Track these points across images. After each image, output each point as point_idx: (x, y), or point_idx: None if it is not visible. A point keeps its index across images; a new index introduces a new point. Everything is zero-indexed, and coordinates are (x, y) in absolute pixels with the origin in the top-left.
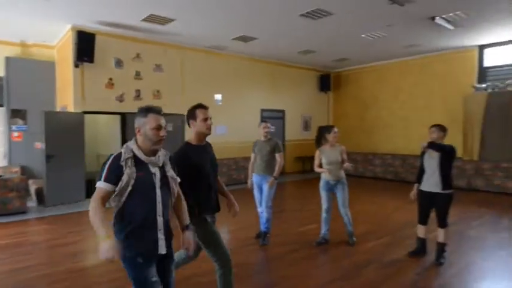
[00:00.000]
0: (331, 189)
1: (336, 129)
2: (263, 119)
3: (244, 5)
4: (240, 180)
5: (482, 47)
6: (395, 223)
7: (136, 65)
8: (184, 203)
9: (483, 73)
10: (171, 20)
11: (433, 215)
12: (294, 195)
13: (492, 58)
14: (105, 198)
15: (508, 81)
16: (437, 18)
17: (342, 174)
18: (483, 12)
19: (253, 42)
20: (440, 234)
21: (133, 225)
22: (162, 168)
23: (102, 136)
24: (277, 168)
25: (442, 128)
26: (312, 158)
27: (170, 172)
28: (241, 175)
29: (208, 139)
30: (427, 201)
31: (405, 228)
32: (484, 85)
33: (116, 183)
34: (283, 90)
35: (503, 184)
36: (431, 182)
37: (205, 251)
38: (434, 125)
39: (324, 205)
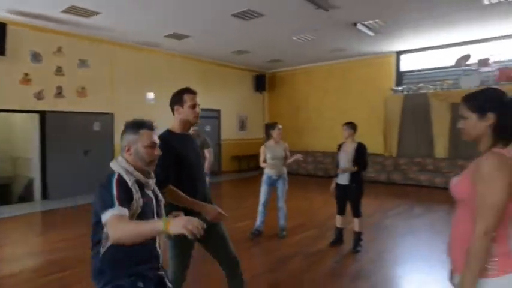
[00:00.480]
0: (272, 184)
1: (279, 126)
2: None
3: (175, 1)
4: None
5: (399, 53)
6: (323, 216)
7: (57, 59)
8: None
9: (400, 77)
10: (96, 13)
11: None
12: (230, 194)
13: (408, 63)
14: None
15: (420, 85)
16: (358, 24)
17: (284, 170)
18: (398, 21)
19: (186, 40)
20: (355, 224)
21: (133, 263)
22: (153, 191)
23: (18, 137)
24: (206, 164)
25: (352, 126)
26: (248, 157)
27: (160, 195)
28: None
29: None
30: (341, 193)
31: (331, 221)
32: (400, 88)
33: (129, 209)
34: (219, 89)
35: (416, 177)
36: (343, 176)
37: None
38: (345, 123)
39: (262, 199)
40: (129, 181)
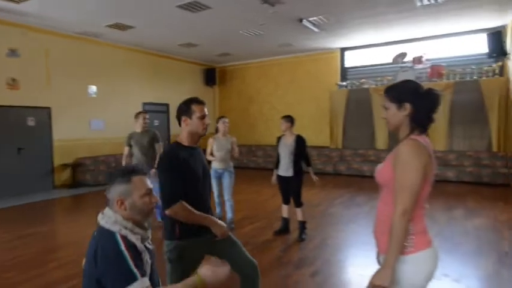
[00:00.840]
0: (219, 177)
1: (225, 119)
2: (141, 111)
3: None
4: None
5: (343, 50)
6: (271, 208)
7: None
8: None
9: (344, 72)
10: None
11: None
12: None
13: (351, 60)
14: None
15: (362, 80)
16: (304, 20)
17: (230, 163)
18: (341, 18)
19: (131, 31)
20: (298, 214)
21: None
22: (149, 242)
23: None
24: (158, 158)
25: (289, 119)
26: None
27: (151, 244)
28: None
29: (83, 134)
30: (284, 184)
31: (278, 212)
32: (344, 83)
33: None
34: (167, 83)
35: (360, 168)
36: (284, 168)
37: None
38: (283, 117)
39: (215, 192)
40: (137, 242)
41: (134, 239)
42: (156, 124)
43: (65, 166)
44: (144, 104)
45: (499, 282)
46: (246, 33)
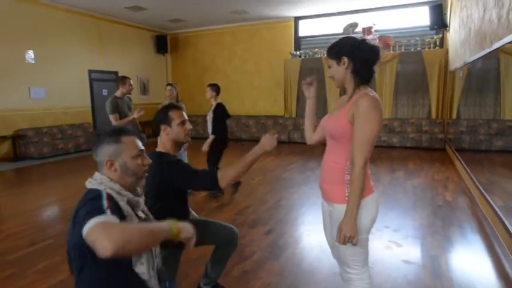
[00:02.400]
0: None
1: (168, 87)
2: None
3: None
4: (68, 150)
5: (297, 19)
6: None
7: None
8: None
9: (298, 42)
10: None
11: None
12: None
13: (305, 29)
14: None
15: (315, 50)
16: None
17: None
18: None
19: None
20: None
21: None
22: (143, 211)
23: None
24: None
25: (214, 88)
26: (150, 123)
27: (150, 214)
28: (68, 144)
29: (22, 104)
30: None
31: None
32: (298, 52)
33: None
34: (114, 49)
35: None
36: (209, 132)
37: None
38: (208, 84)
39: None
40: (121, 202)
41: (120, 199)
42: (105, 94)
43: (3, 138)
44: (91, 71)
45: (433, 230)
46: None
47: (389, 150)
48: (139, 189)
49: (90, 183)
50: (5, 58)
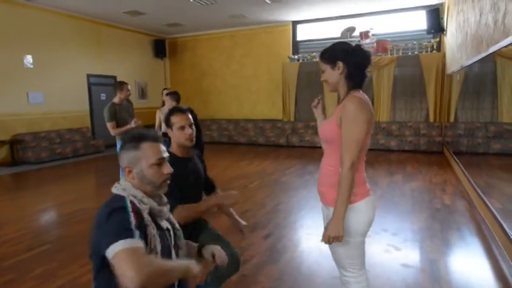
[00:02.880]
0: None
1: (165, 91)
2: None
3: None
4: (66, 154)
5: (295, 23)
6: (227, 179)
7: None
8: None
9: (296, 46)
10: None
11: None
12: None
13: (303, 33)
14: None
15: (313, 53)
16: None
17: None
18: None
19: None
20: None
21: None
22: (169, 220)
23: None
24: None
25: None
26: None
27: (177, 223)
28: (67, 149)
29: (20, 109)
30: None
31: (232, 181)
32: (296, 56)
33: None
34: (113, 53)
35: (312, 139)
36: None
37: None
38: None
39: None
40: (144, 212)
41: (142, 208)
42: (103, 98)
43: (1, 143)
44: (89, 75)
45: (432, 234)
46: (197, 2)
47: (388, 154)
48: (164, 198)
49: (116, 189)
50: (3, 63)
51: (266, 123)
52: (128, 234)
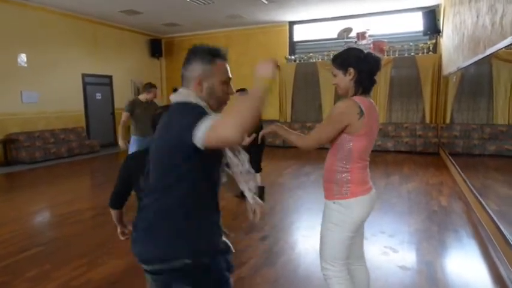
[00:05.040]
0: None
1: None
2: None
3: None
4: (61, 154)
5: (291, 23)
6: None
7: None
8: None
9: (293, 46)
10: None
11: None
12: None
13: (300, 34)
14: None
15: (310, 54)
16: None
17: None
18: None
19: None
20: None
21: (204, 219)
22: None
23: None
24: None
25: (244, 93)
26: None
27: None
28: (61, 149)
29: (14, 108)
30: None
31: None
32: (293, 57)
33: None
34: (109, 53)
35: None
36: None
37: None
38: (238, 90)
39: None
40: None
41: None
42: (99, 98)
43: None
44: (84, 75)
45: (429, 235)
46: (194, 2)
47: (384, 155)
48: None
49: (176, 97)
50: None
51: (263, 123)
52: (205, 116)
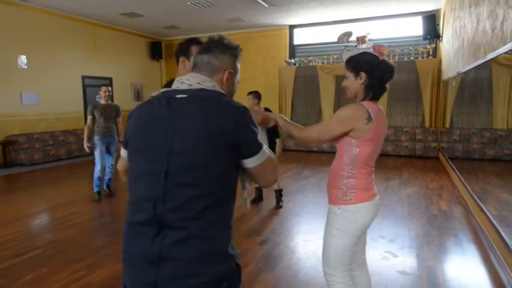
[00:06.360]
0: None
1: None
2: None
3: None
4: (60, 156)
5: (291, 27)
6: None
7: None
8: None
9: (293, 50)
10: None
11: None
12: None
13: (300, 37)
14: None
15: (310, 58)
16: None
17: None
18: None
19: None
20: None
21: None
22: None
23: None
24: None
25: (256, 95)
26: None
27: None
28: (61, 151)
29: (14, 109)
30: None
31: None
32: (293, 60)
33: None
34: (109, 55)
35: (308, 144)
36: None
37: None
38: (250, 92)
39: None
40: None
41: None
42: (98, 100)
43: None
44: (84, 77)
45: (429, 240)
46: (194, 5)
47: (384, 159)
48: None
49: (200, 84)
50: None
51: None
52: (261, 144)
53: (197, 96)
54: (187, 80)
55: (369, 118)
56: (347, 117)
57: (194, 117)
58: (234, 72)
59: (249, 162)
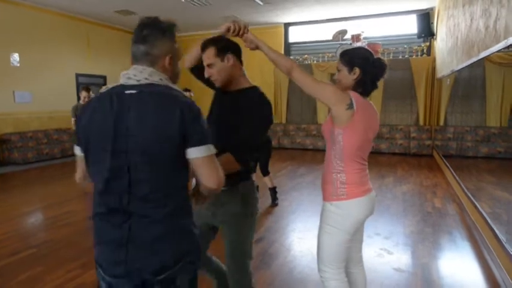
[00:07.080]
0: None
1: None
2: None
3: None
4: (54, 155)
5: (287, 25)
6: None
7: None
8: None
9: (288, 48)
10: None
11: None
12: None
13: (295, 35)
14: None
15: (305, 56)
16: None
17: None
18: None
19: None
20: (267, 181)
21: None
22: None
23: None
24: None
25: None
26: None
27: None
28: (54, 149)
29: (7, 108)
30: None
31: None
32: None
33: None
34: (103, 53)
35: (303, 141)
36: None
37: None
38: None
39: None
40: None
41: None
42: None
43: None
44: (78, 75)
45: (423, 237)
46: (189, 2)
47: (378, 156)
48: None
49: (148, 79)
50: None
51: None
52: (209, 138)
53: (146, 92)
54: (134, 75)
55: (350, 106)
56: (331, 89)
57: (145, 113)
58: (174, 54)
59: (191, 152)
